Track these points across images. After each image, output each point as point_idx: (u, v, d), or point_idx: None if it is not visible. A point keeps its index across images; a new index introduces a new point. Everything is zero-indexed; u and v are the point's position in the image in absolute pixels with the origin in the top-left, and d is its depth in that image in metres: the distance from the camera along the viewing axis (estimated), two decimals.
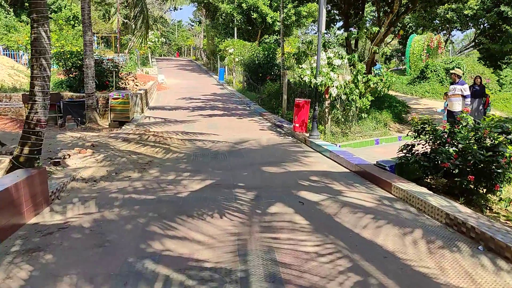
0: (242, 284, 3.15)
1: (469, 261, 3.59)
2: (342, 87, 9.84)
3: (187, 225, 4.35)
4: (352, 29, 17.25)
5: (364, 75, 10.23)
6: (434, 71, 21.54)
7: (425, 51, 24.95)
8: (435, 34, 27.55)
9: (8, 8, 29.41)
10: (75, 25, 30.66)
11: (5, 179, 4.30)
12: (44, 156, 6.62)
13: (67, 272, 3.32)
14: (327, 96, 10.04)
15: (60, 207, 4.87)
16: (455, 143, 5.57)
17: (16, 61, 21.85)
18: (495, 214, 5.05)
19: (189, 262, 3.51)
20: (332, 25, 23.67)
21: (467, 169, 5.13)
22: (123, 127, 11.40)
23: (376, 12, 17.37)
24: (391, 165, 6.48)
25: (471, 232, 4.02)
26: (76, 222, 4.38)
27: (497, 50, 26.04)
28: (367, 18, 28.68)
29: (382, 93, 10.42)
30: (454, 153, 5.35)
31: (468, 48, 35.37)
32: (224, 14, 30.20)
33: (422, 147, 6.05)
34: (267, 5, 28.83)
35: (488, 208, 5.25)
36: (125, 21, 29.46)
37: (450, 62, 21.50)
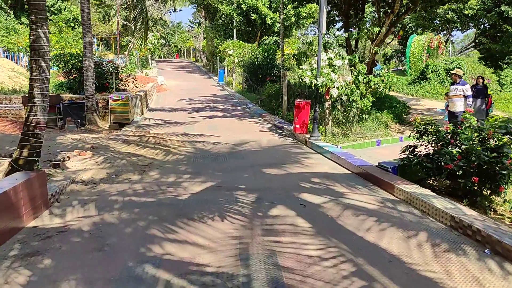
0: None
1: (476, 265, 3.52)
2: (343, 88, 9.78)
3: (188, 228, 4.29)
4: (352, 29, 17.19)
5: (365, 76, 10.17)
6: (435, 71, 21.50)
7: (425, 52, 24.92)
8: (435, 34, 27.54)
9: (8, 10, 29.40)
10: (75, 27, 30.66)
11: (3, 182, 4.25)
12: (44, 158, 6.57)
13: (66, 277, 3.26)
14: (327, 97, 9.97)
15: (60, 210, 4.81)
16: (459, 144, 5.52)
17: (16, 63, 21.86)
18: (499, 216, 4.99)
19: (190, 267, 3.45)
20: (332, 26, 23.64)
21: (471, 170, 5.07)
22: (123, 129, 11.35)
23: (376, 13, 17.33)
24: (393, 166, 6.41)
25: (477, 235, 3.95)
26: (75, 226, 4.33)
27: (498, 50, 26.02)
28: (367, 19, 28.62)
29: (383, 94, 10.36)
30: (458, 154, 5.29)
31: (469, 48, 35.40)
32: (223, 16, 30.14)
33: (425, 148, 5.99)
34: (267, 6, 28.80)
35: (492, 210, 5.18)
36: (125, 23, 29.40)
37: (451, 63, 21.47)
